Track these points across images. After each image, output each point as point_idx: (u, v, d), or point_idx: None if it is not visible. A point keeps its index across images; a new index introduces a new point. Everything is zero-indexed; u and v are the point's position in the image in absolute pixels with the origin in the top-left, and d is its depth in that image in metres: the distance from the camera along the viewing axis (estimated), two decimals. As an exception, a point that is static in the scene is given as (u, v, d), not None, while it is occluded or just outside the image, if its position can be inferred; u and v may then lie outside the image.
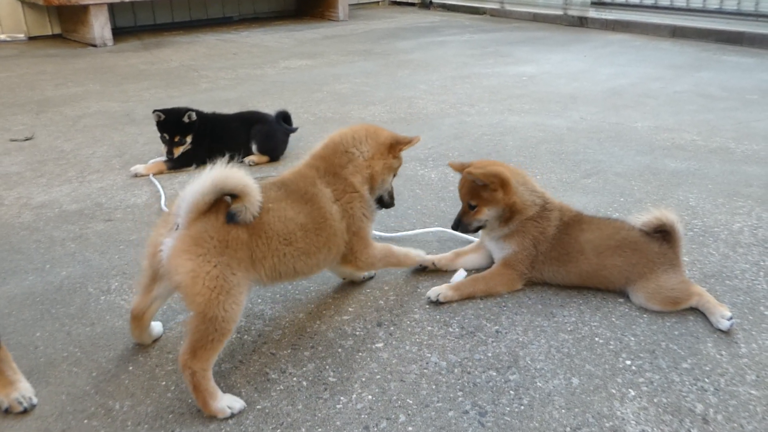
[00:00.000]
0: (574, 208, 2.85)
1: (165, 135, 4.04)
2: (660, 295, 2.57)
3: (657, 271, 2.60)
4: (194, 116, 4.03)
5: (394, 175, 2.75)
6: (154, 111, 4.01)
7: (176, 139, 4.03)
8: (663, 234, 2.67)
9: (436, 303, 2.67)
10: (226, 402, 2.09)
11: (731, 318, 2.48)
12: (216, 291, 2.01)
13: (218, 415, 2.06)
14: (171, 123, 4.02)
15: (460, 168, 2.81)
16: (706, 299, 2.57)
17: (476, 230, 2.84)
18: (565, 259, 2.72)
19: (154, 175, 4.04)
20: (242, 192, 2.06)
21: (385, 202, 2.74)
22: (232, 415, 2.07)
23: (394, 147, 2.62)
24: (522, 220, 2.73)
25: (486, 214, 2.75)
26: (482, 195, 2.72)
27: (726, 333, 2.47)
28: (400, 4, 12.98)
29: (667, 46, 8.27)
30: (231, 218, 2.07)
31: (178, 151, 4.07)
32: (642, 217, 2.73)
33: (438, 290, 2.68)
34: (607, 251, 2.68)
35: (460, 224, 2.82)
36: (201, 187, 2.01)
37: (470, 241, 3.09)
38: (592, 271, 2.70)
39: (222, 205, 2.09)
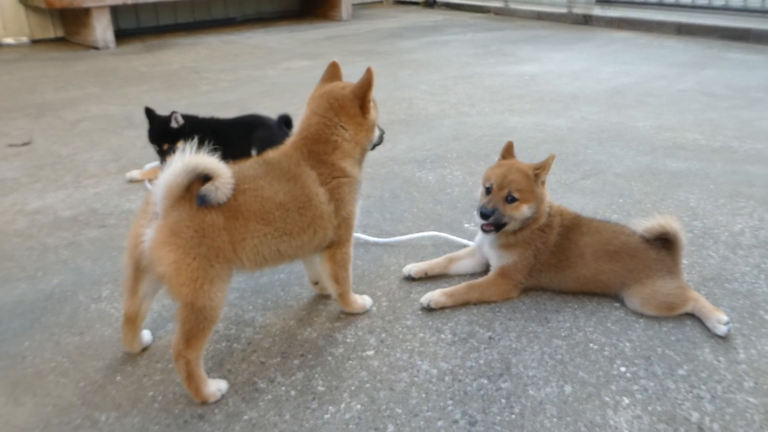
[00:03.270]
0: (571, 210, 2.80)
1: (155, 146, 3.89)
2: (655, 300, 2.53)
3: (653, 277, 2.56)
4: (180, 119, 3.87)
5: None
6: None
7: (165, 147, 3.87)
8: (664, 241, 2.62)
9: (428, 309, 2.63)
10: (215, 386, 2.18)
11: (728, 323, 2.43)
12: (200, 281, 2.04)
13: (209, 400, 2.15)
14: (159, 132, 3.86)
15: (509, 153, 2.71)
16: (701, 304, 2.52)
17: (499, 228, 2.64)
18: (564, 264, 2.67)
19: (150, 180, 4.01)
20: (213, 172, 2.05)
21: (376, 145, 2.61)
22: (222, 397, 2.17)
23: (364, 105, 2.42)
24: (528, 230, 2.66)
25: (523, 212, 2.58)
26: (533, 189, 2.56)
27: (724, 338, 2.42)
28: (403, 3, 12.94)
29: (672, 44, 8.20)
30: (202, 200, 2.05)
31: None
32: (645, 223, 2.67)
33: (430, 296, 2.64)
34: (605, 256, 2.64)
35: (494, 213, 2.55)
36: (172, 171, 2.02)
37: (465, 246, 3.05)
38: (590, 275, 2.66)
39: (196, 191, 2.08)
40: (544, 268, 2.69)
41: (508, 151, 2.75)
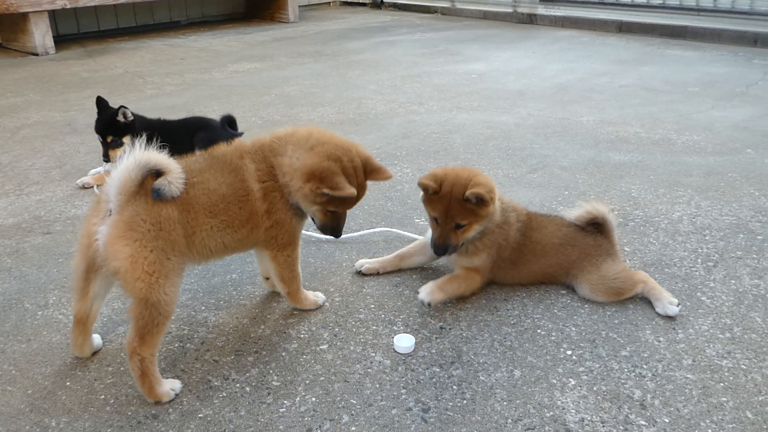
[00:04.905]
0: (521, 206, 2.86)
1: (99, 137, 3.84)
2: (604, 285, 2.61)
3: (596, 263, 2.65)
4: (129, 114, 3.79)
5: (336, 211, 2.45)
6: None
7: (109, 140, 3.79)
8: (596, 226, 2.72)
9: (427, 305, 2.53)
10: (169, 386, 2.17)
11: (679, 304, 2.53)
12: (155, 275, 2.05)
13: (163, 399, 2.14)
14: (104, 123, 3.80)
15: (438, 185, 2.50)
16: (651, 286, 2.61)
17: (458, 248, 2.61)
18: (520, 261, 2.72)
19: (98, 186, 3.93)
20: (164, 167, 2.08)
21: (322, 228, 2.50)
22: (176, 396, 2.15)
23: (314, 182, 2.30)
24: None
25: (475, 230, 2.56)
26: (476, 212, 2.49)
27: (664, 319, 2.52)
28: (351, 4, 12.96)
29: (614, 41, 8.43)
30: (157, 193, 2.07)
31: (114, 154, 3.77)
32: (574, 212, 2.77)
33: (426, 290, 2.54)
34: (552, 249, 2.71)
35: (448, 248, 2.54)
36: (125, 167, 2.03)
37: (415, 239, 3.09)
38: (539, 270, 2.73)
39: (149, 187, 2.09)
40: (503, 265, 2.71)
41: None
